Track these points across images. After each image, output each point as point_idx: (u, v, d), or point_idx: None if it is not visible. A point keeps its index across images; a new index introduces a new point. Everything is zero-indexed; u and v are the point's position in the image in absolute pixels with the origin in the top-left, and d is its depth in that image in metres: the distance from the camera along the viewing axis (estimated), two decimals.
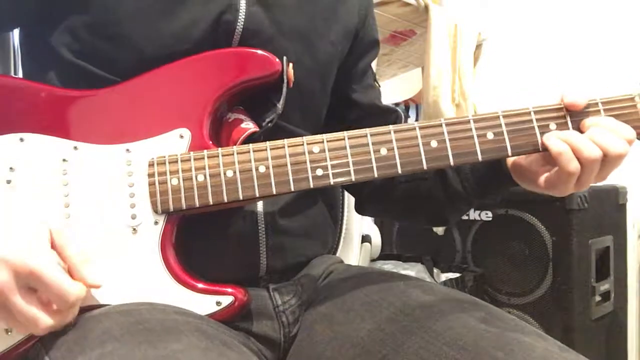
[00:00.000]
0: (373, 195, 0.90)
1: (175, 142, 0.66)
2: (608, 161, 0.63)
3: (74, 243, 0.59)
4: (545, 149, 0.64)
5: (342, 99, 0.87)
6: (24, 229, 0.58)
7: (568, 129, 0.64)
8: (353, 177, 0.63)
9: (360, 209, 0.95)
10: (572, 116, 0.64)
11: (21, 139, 0.65)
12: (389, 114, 0.89)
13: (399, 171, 0.63)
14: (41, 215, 0.63)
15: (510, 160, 0.71)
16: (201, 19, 0.69)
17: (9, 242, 0.55)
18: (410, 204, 0.87)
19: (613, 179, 1.91)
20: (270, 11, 0.72)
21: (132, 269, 0.64)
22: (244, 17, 0.70)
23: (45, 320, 0.55)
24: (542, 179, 0.67)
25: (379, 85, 0.93)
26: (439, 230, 1.77)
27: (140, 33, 0.68)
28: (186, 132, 0.66)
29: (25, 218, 0.61)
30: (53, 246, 0.58)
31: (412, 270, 1.67)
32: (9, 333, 0.62)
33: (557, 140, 0.63)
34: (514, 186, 0.74)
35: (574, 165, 0.62)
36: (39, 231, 0.58)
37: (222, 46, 0.69)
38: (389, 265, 1.71)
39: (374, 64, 0.93)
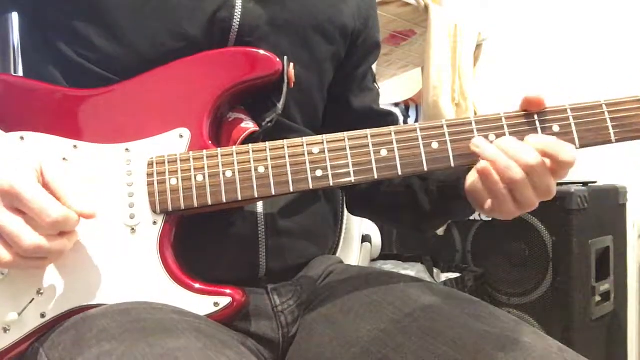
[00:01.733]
0: (359, 200, 0.92)
1: (174, 141, 0.66)
2: (537, 175, 0.60)
3: (65, 178, 0.59)
4: None
5: (340, 101, 0.87)
6: (15, 160, 0.58)
7: (571, 130, 0.62)
8: (353, 179, 0.63)
9: (350, 210, 0.98)
10: (576, 118, 0.62)
11: (21, 138, 0.65)
12: (385, 116, 0.90)
13: (399, 172, 0.63)
14: None
15: (466, 184, 0.69)
16: (196, 16, 0.68)
17: (1, 167, 0.56)
18: (390, 213, 0.90)
19: (613, 179, 1.90)
20: (267, 7, 0.72)
21: (130, 269, 0.64)
22: (240, 13, 0.70)
23: (28, 235, 0.55)
24: (487, 205, 0.64)
25: (378, 87, 0.93)
26: (439, 230, 1.77)
27: (136, 31, 0.68)
28: (186, 132, 0.66)
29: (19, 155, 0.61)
30: (44, 180, 0.58)
31: (412, 270, 1.67)
32: (7, 332, 0.62)
33: (481, 164, 0.60)
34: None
35: (500, 190, 0.60)
36: (28, 162, 0.58)
37: (218, 43, 0.69)
38: (389, 265, 1.71)
39: (373, 65, 0.93)
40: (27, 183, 0.55)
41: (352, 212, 0.98)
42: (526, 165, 0.59)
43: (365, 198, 0.89)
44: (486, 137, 0.63)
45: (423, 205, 0.80)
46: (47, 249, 0.56)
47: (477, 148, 0.61)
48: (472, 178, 0.67)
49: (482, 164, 0.61)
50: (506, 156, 0.60)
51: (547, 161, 0.60)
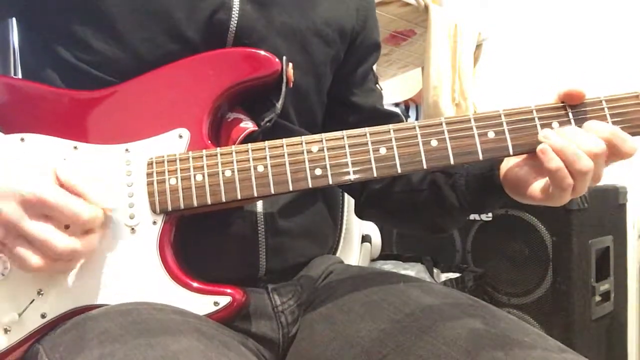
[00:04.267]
0: (370, 202, 0.90)
1: (174, 142, 0.66)
2: (599, 164, 0.60)
3: (78, 175, 0.60)
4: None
5: (343, 102, 0.86)
6: (29, 166, 0.59)
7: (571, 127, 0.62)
8: (352, 177, 0.63)
9: (359, 214, 0.95)
10: (575, 115, 0.62)
11: (22, 139, 0.65)
12: (390, 118, 0.89)
13: (399, 171, 0.63)
14: None
15: (502, 173, 0.69)
16: (194, 17, 0.68)
17: (16, 176, 0.57)
18: (406, 213, 0.87)
19: (613, 179, 1.90)
20: (264, 9, 0.72)
21: (130, 269, 0.64)
22: (237, 15, 0.70)
23: (60, 239, 0.56)
24: (536, 191, 0.64)
25: (381, 89, 0.93)
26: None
27: (134, 33, 0.68)
28: (185, 132, 0.66)
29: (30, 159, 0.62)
30: (60, 182, 0.59)
31: (412, 270, 1.66)
32: (8, 332, 0.62)
33: (553, 156, 0.59)
34: (509, 199, 0.71)
35: (568, 182, 0.60)
36: (42, 166, 0.59)
37: (215, 45, 0.69)
38: (389, 265, 1.71)
39: (374, 66, 0.93)
40: (51, 190, 0.56)
41: (361, 216, 0.95)
42: (593, 154, 0.59)
43: (378, 200, 0.88)
44: (485, 134, 0.63)
45: (450, 202, 0.77)
46: (79, 249, 0.58)
47: (546, 139, 0.60)
48: (512, 166, 0.67)
49: (553, 159, 0.60)
50: (575, 146, 0.59)
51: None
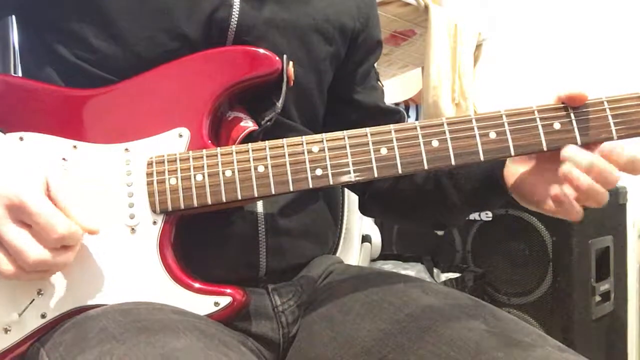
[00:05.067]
0: (374, 199, 0.90)
1: (174, 141, 0.66)
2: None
3: (69, 188, 0.59)
4: (549, 149, 0.62)
5: (345, 100, 0.86)
6: (20, 170, 0.58)
7: (572, 127, 0.62)
8: (353, 177, 0.63)
9: (363, 210, 0.96)
10: (577, 115, 0.62)
11: (21, 138, 0.65)
12: (392, 114, 0.89)
13: (400, 171, 0.63)
14: None
15: (508, 181, 0.70)
16: (194, 16, 0.68)
17: (9, 178, 0.56)
18: (409, 210, 0.87)
19: None
20: (265, 7, 0.72)
21: (130, 269, 0.64)
22: (237, 13, 0.69)
23: (34, 250, 0.55)
24: (546, 204, 0.65)
25: (382, 85, 0.93)
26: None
27: (133, 31, 0.68)
28: (185, 132, 0.66)
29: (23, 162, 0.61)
30: (48, 191, 0.58)
31: (412, 270, 1.67)
32: (8, 332, 0.62)
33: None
34: (510, 199, 0.73)
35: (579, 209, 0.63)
36: (34, 172, 0.58)
37: (215, 43, 0.69)
38: (389, 265, 1.71)
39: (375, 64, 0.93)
40: (35, 196, 0.55)
41: (364, 211, 0.96)
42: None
43: (381, 197, 0.88)
44: (486, 134, 0.63)
45: (452, 200, 0.78)
46: (51, 263, 0.56)
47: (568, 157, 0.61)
48: (521, 174, 0.68)
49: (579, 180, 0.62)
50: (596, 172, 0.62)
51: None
